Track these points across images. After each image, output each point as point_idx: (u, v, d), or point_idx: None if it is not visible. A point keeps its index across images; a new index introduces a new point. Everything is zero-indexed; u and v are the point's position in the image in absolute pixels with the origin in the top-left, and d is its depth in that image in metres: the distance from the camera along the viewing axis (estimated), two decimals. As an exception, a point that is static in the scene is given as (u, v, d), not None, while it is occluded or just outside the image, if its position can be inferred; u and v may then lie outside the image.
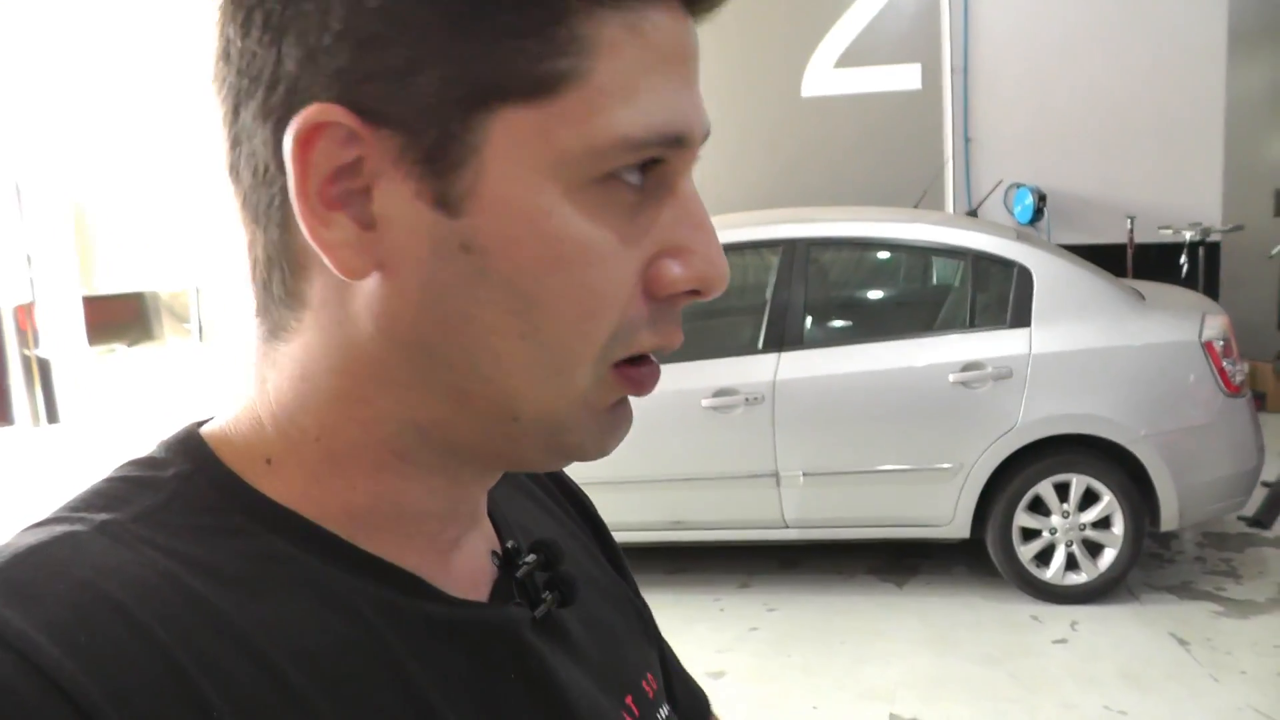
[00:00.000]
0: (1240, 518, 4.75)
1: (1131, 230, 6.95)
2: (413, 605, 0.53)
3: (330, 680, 0.48)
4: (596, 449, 0.54)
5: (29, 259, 9.16)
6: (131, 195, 8.78)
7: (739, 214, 5.17)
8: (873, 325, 4.83)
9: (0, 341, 9.31)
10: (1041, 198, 7.08)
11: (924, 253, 4.74)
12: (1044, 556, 4.38)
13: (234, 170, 0.51)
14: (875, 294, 5.04)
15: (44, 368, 9.37)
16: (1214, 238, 6.95)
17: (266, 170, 0.49)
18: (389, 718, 0.49)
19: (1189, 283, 6.53)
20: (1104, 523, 4.29)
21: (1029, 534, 4.37)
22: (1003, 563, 4.40)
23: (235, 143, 0.50)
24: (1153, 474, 4.21)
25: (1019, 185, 7.20)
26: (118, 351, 9.89)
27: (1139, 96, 7.11)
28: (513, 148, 0.47)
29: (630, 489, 4.46)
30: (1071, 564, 4.35)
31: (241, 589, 0.48)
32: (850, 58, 7.43)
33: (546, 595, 0.61)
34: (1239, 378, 4.26)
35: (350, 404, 0.52)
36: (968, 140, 7.44)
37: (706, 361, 4.45)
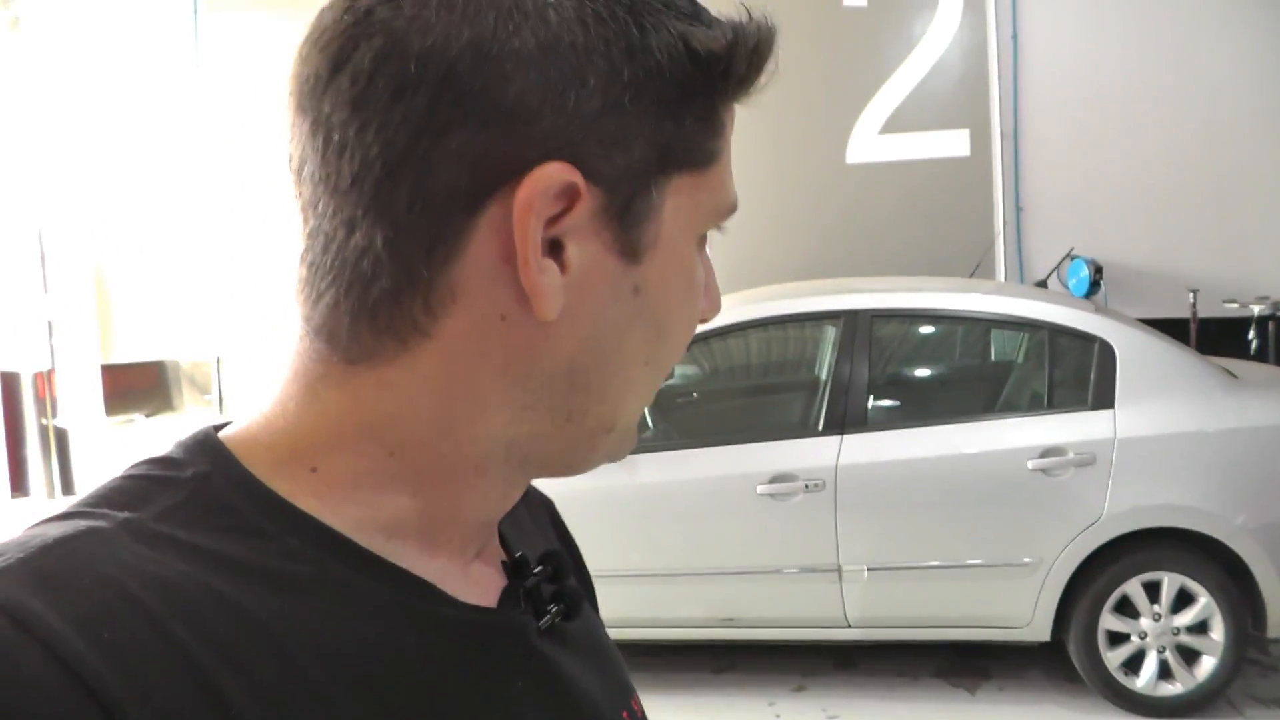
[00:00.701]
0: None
1: (1194, 304, 6.59)
2: (425, 606, 0.54)
3: (350, 677, 0.49)
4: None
5: (50, 325, 9.02)
6: (153, 261, 8.61)
7: (794, 284, 4.86)
8: (942, 405, 4.45)
9: (19, 410, 9.20)
10: (1098, 270, 6.76)
11: (996, 326, 4.37)
12: (1133, 663, 3.96)
13: (386, 204, 0.50)
14: (944, 371, 4.68)
15: (61, 438, 9.18)
16: (1285, 311, 6.59)
17: (443, 205, 0.50)
18: (406, 716, 0.51)
19: (1259, 360, 6.16)
20: (1201, 627, 3.88)
21: (1116, 638, 3.96)
22: (1087, 669, 3.99)
23: (394, 177, 0.50)
24: (1256, 572, 3.81)
25: (1074, 256, 6.89)
26: (136, 422, 9.65)
27: (1199, 161, 6.81)
28: (679, 208, 0.56)
29: (678, 582, 4.10)
30: (1165, 672, 3.93)
31: (263, 585, 0.49)
32: (896, 123, 7.19)
33: (552, 607, 0.62)
34: (1347, 466, 3.87)
35: (450, 424, 0.54)
36: (1019, 209, 7.15)
37: (762, 444, 4.09)
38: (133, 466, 0.54)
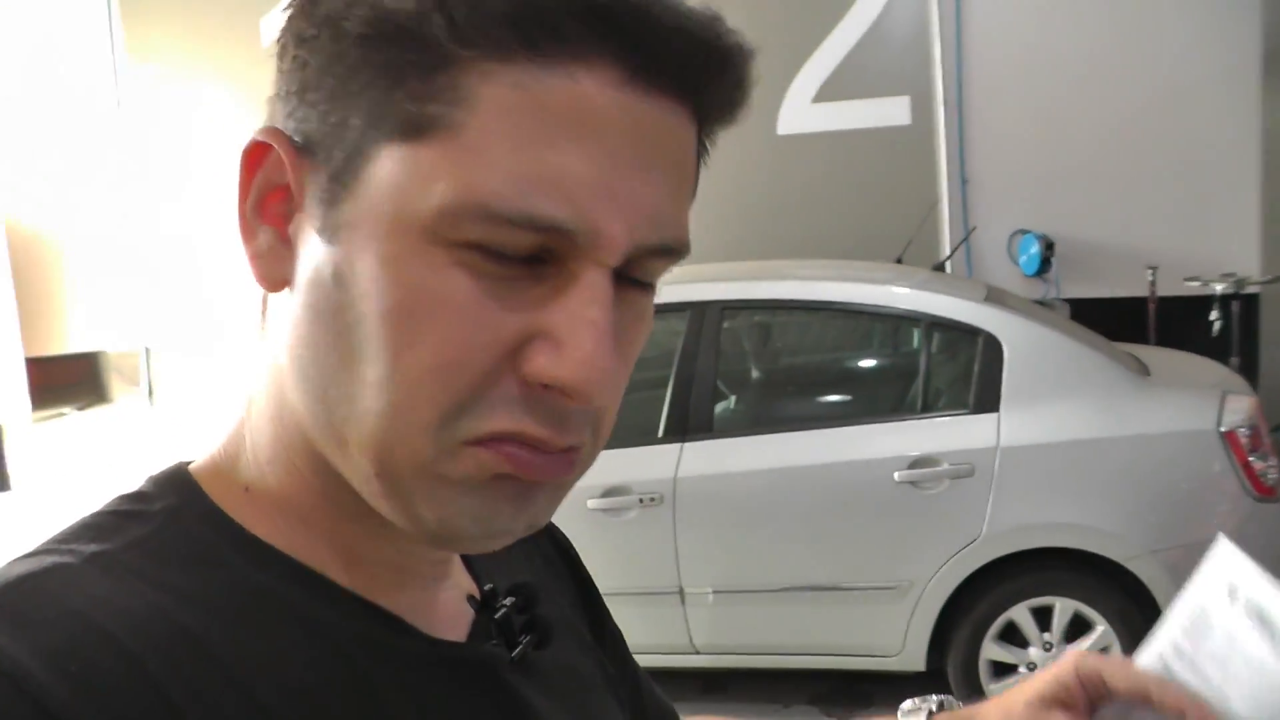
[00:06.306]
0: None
1: (1153, 282, 6.07)
2: (393, 641, 0.52)
3: (313, 714, 0.48)
4: (478, 529, 0.50)
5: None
6: (78, 250, 8.33)
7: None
8: (799, 409, 3.95)
9: (-47, 405, 8.94)
10: (1049, 246, 6.28)
11: (866, 318, 3.84)
12: (1020, 700, 3.46)
13: None
14: (803, 371, 4.17)
15: (-7, 432, 8.89)
16: (1251, 289, 6.04)
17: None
18: None
19: (1222, 342, 5.64)
20: (1095, 659, 3.38)
21: (1002, 668, 3.48)
22: (970, 703, 3.49)
23: None
24: (1160, 598, 3.31)
25: (1024, 231, 6.39)
26: (69, 416, 9.34)
27: (1161, 130, 6.27)
28: (388, 189, 0.46)
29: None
30: (1055, 710, 3.43)
31: (228, 622, 0.48)
32: (830, 90, 6.68)
33: (523, 638, 0.60)
34: (1271, 476, 3.35)
35: (281, 418, 0.52)
36: (964, 181, 6.64)
37: (594, 453, 3.61)
38: (106, 503, 0.53)
